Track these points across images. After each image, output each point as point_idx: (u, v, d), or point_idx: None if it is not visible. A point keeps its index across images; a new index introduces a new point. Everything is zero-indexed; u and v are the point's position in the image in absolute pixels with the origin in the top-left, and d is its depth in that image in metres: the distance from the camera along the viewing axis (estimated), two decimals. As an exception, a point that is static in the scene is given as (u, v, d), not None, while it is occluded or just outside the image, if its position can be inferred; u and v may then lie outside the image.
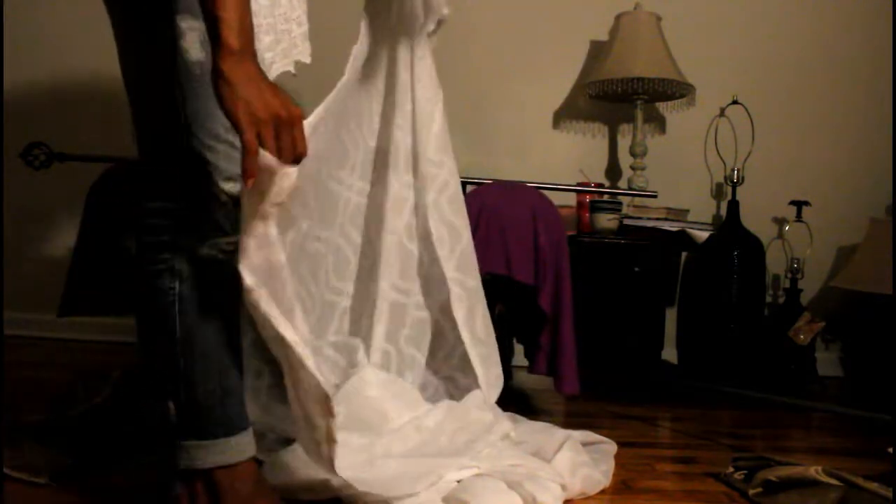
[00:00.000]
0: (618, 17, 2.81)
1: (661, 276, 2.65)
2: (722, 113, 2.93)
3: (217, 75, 0.96)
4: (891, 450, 1.74)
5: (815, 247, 2.83)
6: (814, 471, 1.42)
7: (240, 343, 1.13)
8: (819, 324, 2.58)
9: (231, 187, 1.07)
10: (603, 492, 1.44)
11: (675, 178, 2.89)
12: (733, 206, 2.77)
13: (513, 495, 1.28)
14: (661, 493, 1.45)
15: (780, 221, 2.92)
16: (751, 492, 1.43)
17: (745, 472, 1.50)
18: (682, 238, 2.51)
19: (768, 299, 2.92)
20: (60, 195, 2.60)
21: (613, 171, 3.03)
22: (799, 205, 2.82)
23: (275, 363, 1.81)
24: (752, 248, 2.71)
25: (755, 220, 2.80)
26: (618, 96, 2.79)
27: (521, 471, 1.37)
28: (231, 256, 1.06)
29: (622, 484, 1.49)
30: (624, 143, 3.00)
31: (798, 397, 2.42)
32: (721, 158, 2.93)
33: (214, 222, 1.07)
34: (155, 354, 1.10)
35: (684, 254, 2.88)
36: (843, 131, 3.00)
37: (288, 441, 1.59)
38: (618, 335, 2.54)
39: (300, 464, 1.42)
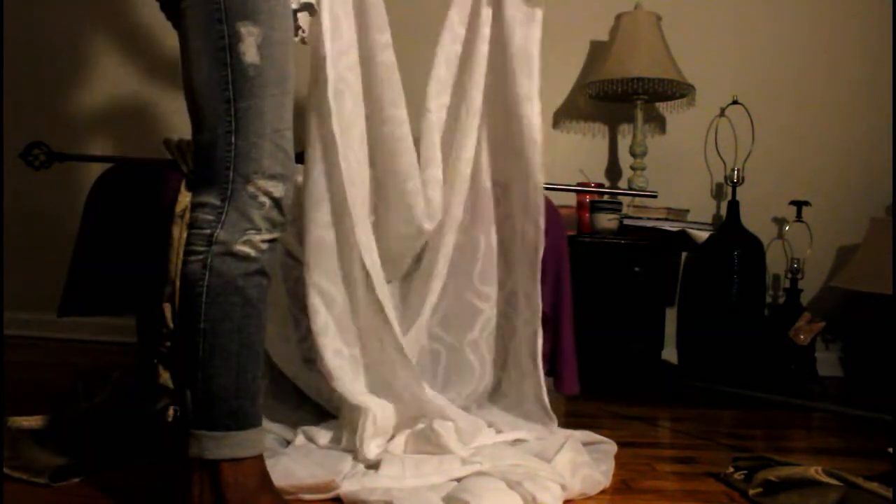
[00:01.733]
0: (618, 17, 2.81)
1: (661, 276, 2.65)
2: (722, 113, 2.93)
3: None
4: (891, 450, 1.74)
5: (815, 247, 2.83)
6: (814, 471, 1.42)
7: (261, 342, 1.16)
8: (819, 324, 2.58)
9: (272, 186, 1.13)
10: (603, 492, 1.44)
11: (675, 178, 2.89)
12: (733, 206, 2.77)
13: (513, 495, 1.28)
14: (661, 493, 1.45)
15: (780, 221, 2.92)
16: (751, 492, 1.43)
17: (745, 472, 1.50)
18: (682, 238, 2.51)
19: (768, 299, 2.92)
20: (60, 195, 2.60)
21: (613, 171, 3.03)
22: (799, 205, 2.82)
23: (273, 364, 1.82)
24: (752, 248, 2.70)
25: (755, 220, 2.80)
26: (618, 96, 2.79)
27: (521, 470, 1.37)
28: (264, 255, 1.13)
29: (622, 484, 1.49)
30: (624, 143, 3.00)
31: (798, 397, 2.42)
32: (721, 158, 2.93)
33: (251, 220, 1.12)
34: (180, 342, 1.14)
35: (684, 254, 2.88)
36: (843, 131, 3.00)
37: (288, 441, 1.59)
38: (618, 335, 2.54)
39: (300, 464, 1.42)
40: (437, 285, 1.74)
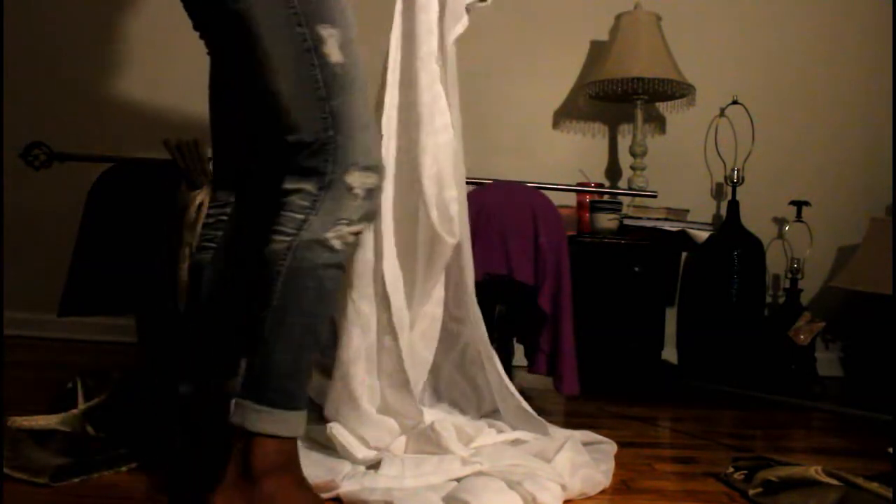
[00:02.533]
0: (618, 17, 2.81)
1: (661, 276, 2.64)
2: (722, 113, 2.93)
3: None
4: (891, 450, 1.74)
5: (815, 247, 2.83)
6: (814, 471, 1.42)
7: (323, 332, 1.20)
8: (819, 324, 2.58)
9: (366, 178, 1.17)
10: (603, 492, 1.44)
11: (675, 178, 2.89)
12: (733, 206, 2.77)
13: (513, 495, 1.28)
14: (661, 493, 1.45)
15: (780, 221, 2.92)
16: (751, 492, 1.43)
17: (745, 472, 1.50)
18: (682, 238, 2.51)
19: (768, 299, 2.92)
20: (60, 195, 2.60)
21: (613, 171, 3.03)
22: (799, 205, 2.82)
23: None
24: (752, 248, 2.71)
25: (755, 220, 2.80)
26: (618, 96, 2.79)
27: (521, 470, 1.37)
28: (348, 249, 1.17)
29: (622, 484, 1.49)
30: (624, 143, 3.00)
31: (798, 397, 2.42)
32: (721, 158, 2.93)
33: (345, 210, 1.16)
34: (249, 312, 1.17)
35: (684, 254, 2.88)
36: (843, 131, 3.00)
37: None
38: (618, 335, 2.54)
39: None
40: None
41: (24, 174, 2.20)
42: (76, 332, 2.76)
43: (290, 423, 1.15)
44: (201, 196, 1.94)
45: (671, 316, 2.77)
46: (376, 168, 1.19)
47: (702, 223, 2.66)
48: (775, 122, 2.94)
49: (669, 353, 2.75)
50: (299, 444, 1.53)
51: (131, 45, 2.87)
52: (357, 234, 1.18)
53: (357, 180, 1.17)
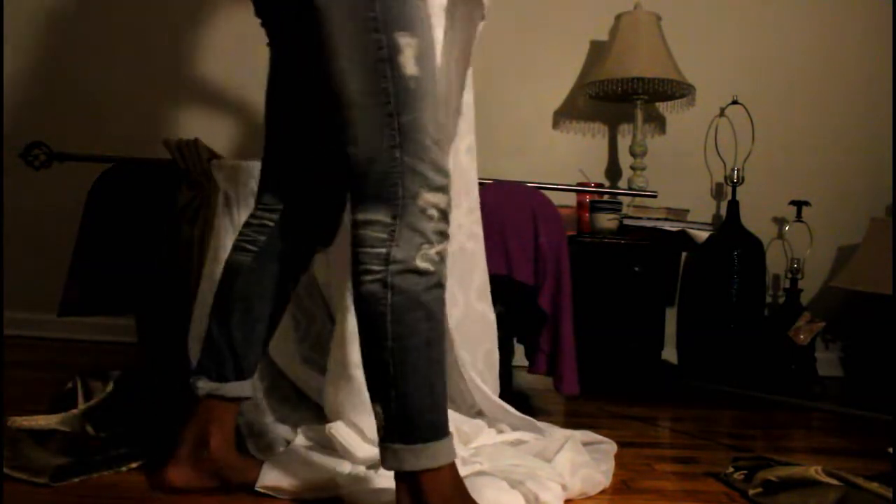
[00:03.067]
0: (618, 17, 2.81)
1: (661, 276, 2.64)
2: (722, 113, 2.93)
3: None
4: (891, 450, 1.74)
5: (815, 247, 2.83)
6: (814, 471, 1.42)
7: (445, 354, 1.18)
8: (819, 324, 2.58)
9: (438, 198, 1.12)
10: (603, 492, 1.44)
11: (675, 178, 2.89)
12: (733, 206, 2.77)
13: (515, 494, 1.28)
14: (661, 493, 1.45)
15: (780, 221, 2.92)
16: (751, 492, 1.43)
17: (745, 472, 1.50)
18: (682, 238, 2.51)
19: (768, 299, 2.92)
20: (60, 195, 2.60)
21: (613, 171, 3.03)
22: (799, 205, 2.82)
23: (274, 364, 1.82)
24: (752, 248, 2.70)
25: (755, 220, 2.80)
26: (618, 96, 2.79)
27: (522, 470, 1.37)
28: (440, 266, 1.13)
29: (622, 484, 1.49)
30: (624, 143, 3.00)
31: (798, 397, 2.42)
32: (721, 158, 2.93)
33: (424, 234, 1.11)
34: (365, 359, 1.15)
35: (684, 254, 2.88)
36: (843, 131, 3.00)
37: (288, 441, 1.59)
38: (618, 335, 2.54)
39: (300, 464, 1.42)
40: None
41: (24, 174, 2.21)
42: (76, 332, 2.75)
43: (446, 449, 1.13)
44: (201, 196, 1.94)
45: (671, 316, 2.77)
46: (446, 187, 1.14)
47: (702, 223, 2.66)
48: (775, 122, 2.94)
49: (669, 353, 2.75)
50: (299, 444, 1.54)
51: (131, 44, 2.87)
52: (443, 251, 1.14)
53: (429, 202, 1.12)
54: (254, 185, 1.97)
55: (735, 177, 2.78)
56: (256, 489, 1.32)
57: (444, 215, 1.13)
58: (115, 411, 1.67)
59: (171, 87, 2.83)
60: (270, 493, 1.33)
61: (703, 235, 2.50)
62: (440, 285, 1.13)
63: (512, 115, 2.96)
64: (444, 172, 1.14)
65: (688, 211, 2.73)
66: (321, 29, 1.09)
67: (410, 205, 1.11)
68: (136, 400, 1.71)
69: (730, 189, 2.79)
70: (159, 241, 1.92)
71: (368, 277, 1.11)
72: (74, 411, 1.64)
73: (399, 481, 1.13)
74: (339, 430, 1.47)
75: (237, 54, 2.77)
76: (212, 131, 2.55)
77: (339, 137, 1.13)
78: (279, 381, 1.83)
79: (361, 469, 1.42)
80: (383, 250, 1.11)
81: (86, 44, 2.89)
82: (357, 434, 1.48)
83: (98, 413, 1.65)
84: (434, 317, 1.13)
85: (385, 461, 1.13)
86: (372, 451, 1.46)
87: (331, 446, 1.48)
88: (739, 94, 2.88)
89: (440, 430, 1.13)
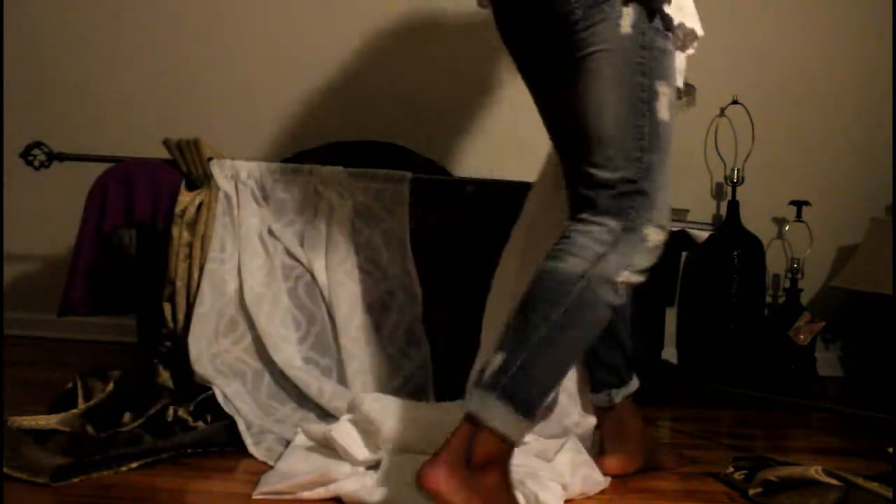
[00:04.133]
0: (618, 17, 2.80)
1: (661, 276, 2.64)
2: (722, 113, 2.93)
3: None
4: (891, 450, 1.74)
5: (815, 247, 2.82)
6: (814, 471, 1.42)
7: (575, 361, 1.29)
8: (819, 324, 2.58)
9: (659, 235, 1.25)
10: (603, 492, 1.44)
11: (675, 178, 2.86)
12: (733, 206, 2.77)
13: (516, 494, 1.28)
14: (661, 492, 1.45)
15: (780, 221, 2.92)
16: (751, 492, 1.43)
17: (745, 472, 1.51)
18: (682, 238, 2.51)
19: (768, 299, 2.91)
20: (60, 195, 2.60)
21: (613, 171, 3.02)
22: (799, 205, 2.82)
23: (274, 364, 1.82)
24: (752, 247, 2.70)
25: (755, 220, 2.80)
26: (618, 96, 2.79)
27: (523, 470, 1.37)
28: (626, 296, 1.24)
29: (622, 484, 1.49)
30: (624, 143, 2.99)
31: (798, 397, 2.42)
32: (721, 158, 2.92)
33: (635, 259, 1.23)
34: (523, 312, 1.21)
35: (684, 254, 2.88)
36: (843, 131, 3.00)
37: (288, 441, 1.59)
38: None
39: (300, 464, 1.42)
40: None
41: (24, 174, 2.20)
42: (76, 332, 2.75)
43: (521, 429, 1.19)
44: (201, 196, 1.94)
45: (671, 316, 2.77)
46: (665, 228, 1.25)
47: (702, 223, 2.65)
48: (775, 122, 2.94)
49: (669, 353, 2.74)
50: (299, 444, 1.54)
51: (131, 44, 2.87)
52: (632, 286, 1.24)
53: (652, 234, 1.23)
54: (254, 185, 1.97)
55: (735, 177, 2.78)
56: (255, 497, 1.32)
57: (657, 252, 1.25)
58: (115, 411, 1.67)
59: (172, 87, 2.83)
60: (270, 495, 1.33)
61: (703, 235, 2.49)
62: (615, 309, 1.23)
63: (512, 114, 2.96)
64: (668, 214, 1.27)
65: (688, 211, 2.73)
66: (598, 67, 1.23)
67: (638, 229, 1.22)
68: (136, 400, 1.71)
69: (730, 189, 2.79)
70: (159, 242, 1.92)
71: (573, 260, 1.20)
72: (74, 411, 1.64)
73: (467, 422, 1.16)
74: (340, 431, 1.48)
75: (238, 54, 2.78)
76: (212, 131, 2.54)
77: (587, 159, 1.25)
78: (279, 381, 1.83)
79: (361, 469, 1.42)
80: (601, 249, 1.21)
81: (86, 44, 2.88)
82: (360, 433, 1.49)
83: (98, 413, 1.66)
84: (597, 328, 1.23)
85: (471, 402, 1.17)
86: (371, 452, 1.46)
87: (331, 446, 1.49)
88: (739, 94, 2.88)
89: (529, 411, 1.18)
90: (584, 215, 1.24)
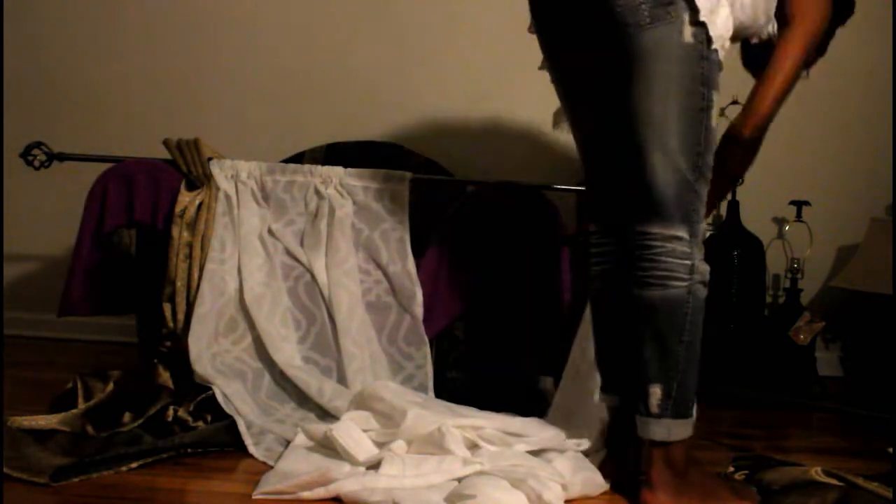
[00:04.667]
0: (618, 17, 2.80)
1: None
2: (722, 113, 2.93)
3: (738, 141, 1.51)
4: (891, 450, 1.74)
5: (815, 247, 2.82)
6: (814, 471, 1.42)
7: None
8: (819, 324, 2.58)
9: (705, 229, 1.38)
10: (603, 492, 1.44)
11: (675, 178, 2.88)
12: (733, 206, 2.77)
13: (517, 493, 1.28)
14: (662, 493, 1.45)
15: (780, 221, 2.92)
16: (751, 492, 1.43)
17: (745, 472, 1.51)
18: (682, 238, 2.51)
19: (768, 299, 2.91)
20: (60, 195, 2.60)
21: (613, 171, 3.02)
22: (799, 205, 2.82)
23: (274, 364, 1.82)
24: (752, 248, 2.70)
25: (755, 220, 2.80)
26: (618, 96, 2.79)
27: (523, 470, 1.37)
28: (705, 283, 1.38)
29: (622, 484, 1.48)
30: (624, 143, 2.99)
31: (798, 397, 2.42)
32: (721, 158, 2.92)
33: (702, 251, 1.38)
34: (655, 348, 1.38)
35: (684, 254, 2.87)
36: (843, 131, 3.00)
37: (288, 441, 1.59)
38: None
39: (300, 464, 1.42)
40: None
41: (24, 174, 2.21)
42: (76, 332, 2.75)
43: (692, 423, 1.39)
44: (201, 196, 1.94)
45: (671, 316, 2.77)
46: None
47: (702, 223, 2.66)
48: (775, 123, 2.93)
49: (669, 353, 2.74)
50: (299, 444, 1.55)
51: (131, 44, 2.87)
52: (707, 273, 1.39)
53: (704, 230, 1.38)
54: (254, 185, 1.97)
55: (735, 177, 2.77)
56: (255, 497, 1.32)
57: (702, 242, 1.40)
58: (115, 411, 1.67)
59: (172, 87, 2.83)
60: (270, 495, 1.33)
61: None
62: (705, 298, 1.39)
63: (512, 114, 2.96)
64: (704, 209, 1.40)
65: (688, 211, 2.73)
66: (652, 71, 1.31)
67: (699, 228, 1.36)
68: (136, 400, 1.71)
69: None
70: (159, 242, 1.92)
71: (676, 283, 1.35)
72: (74, 411, 1.64)
73: (654, 448, 1.36)
74: (340, 431, 1.48)
75: (238, 54, 2.78)
76: (212, 131, 2.54)
77: (649, 161, 1.33)
78: (279, 381, 1.84)
79: (361, 468, 1.42)
80: (689, 262, 1.35)
81: (86, 44, 2.88)
82: (359, 436, 1.49)
83: (98, 413, 1.66)
84: (702, 322, 1.40)
85: (653, 433, 1.35)
86: (371, 453, 1.46)
87: (331, 446, 1.49)
88: (739, 94, 2.87)
89: (692, 410, 1.40)
90: (654, 229, 1.34)
